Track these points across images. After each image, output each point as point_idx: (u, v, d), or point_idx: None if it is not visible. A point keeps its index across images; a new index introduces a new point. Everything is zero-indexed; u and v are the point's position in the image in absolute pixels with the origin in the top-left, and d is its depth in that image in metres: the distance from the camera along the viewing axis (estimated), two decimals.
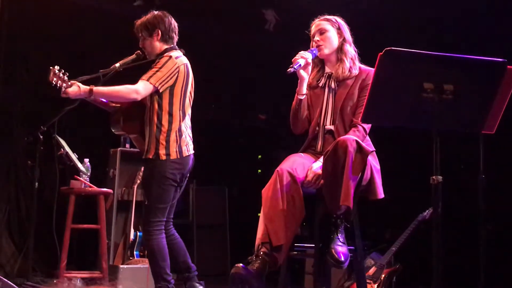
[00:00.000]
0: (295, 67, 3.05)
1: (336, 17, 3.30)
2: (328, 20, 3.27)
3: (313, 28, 3.28)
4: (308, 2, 5.23)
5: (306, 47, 3.25)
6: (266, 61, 6.21)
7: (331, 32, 3.24)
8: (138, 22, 3.83)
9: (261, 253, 2.87)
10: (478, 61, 2.43)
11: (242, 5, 5.93)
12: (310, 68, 3.17)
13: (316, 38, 3.23)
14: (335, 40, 3.24)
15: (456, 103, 2.42)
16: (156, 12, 3.83)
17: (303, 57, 3.10)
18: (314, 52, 3.18)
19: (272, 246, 2.87)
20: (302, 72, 3.12)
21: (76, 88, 3.56)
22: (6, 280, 2.42)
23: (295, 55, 3.17)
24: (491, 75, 2.44)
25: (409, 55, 2.41)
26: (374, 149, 3.15)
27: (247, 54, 6.37)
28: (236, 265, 2.85)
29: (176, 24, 3.86)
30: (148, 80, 3.62)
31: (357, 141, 2.87)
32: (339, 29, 3.25)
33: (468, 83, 2.44)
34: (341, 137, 2.93)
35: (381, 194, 3.08)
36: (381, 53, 2.37)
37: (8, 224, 5.47)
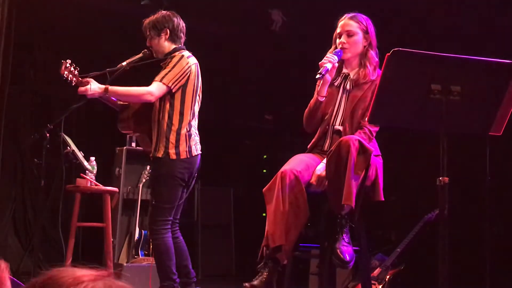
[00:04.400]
0: (323, 72, 2.95)
1: (365, 18, 3.17)
2: (358, 21, 3.13)
3: (341, 26, 3.14)
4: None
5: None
6: (272, 61, 6.21)
7: (359, 36, 3.11)
8: (146, 21, 3.83)
9: (269, 261, 2.88)
10: (486, 62, 2.42)
11: (249, 6, 5.92)
12: (335, 70, 3.10)
13: (343, 39, 3.11)
14: (360, 45, 3.13)
15: (463, 104, 2.41)
16: (164, 12, 3.84)
17: (331, 61, 3.00)
18: (339, 54, 3.06)
19: (270, 248, 2.87)
20: (327, 75, 3.03)
21: (95, 86, 3.57)
22: (12, 277, 2.43)
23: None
24: (499, 76, 2.43)
25: (417, 56, 2.41)
26: (379, 154, 3.12)
27: (253, 54, 6.37)
28: (244, 284, 2.85)
29: (184, 25, 3.86)
30: (161, 81, 3.62)
31: (359, 141, 2.85)
32: (366, 33, 3.13)
33: (475, 84, 2.43)
34: (344, 137, 2.91)
35: (382, 196, 3.04)
36: (389, 54, 2.37)
37: (14, 222, 5.49)
